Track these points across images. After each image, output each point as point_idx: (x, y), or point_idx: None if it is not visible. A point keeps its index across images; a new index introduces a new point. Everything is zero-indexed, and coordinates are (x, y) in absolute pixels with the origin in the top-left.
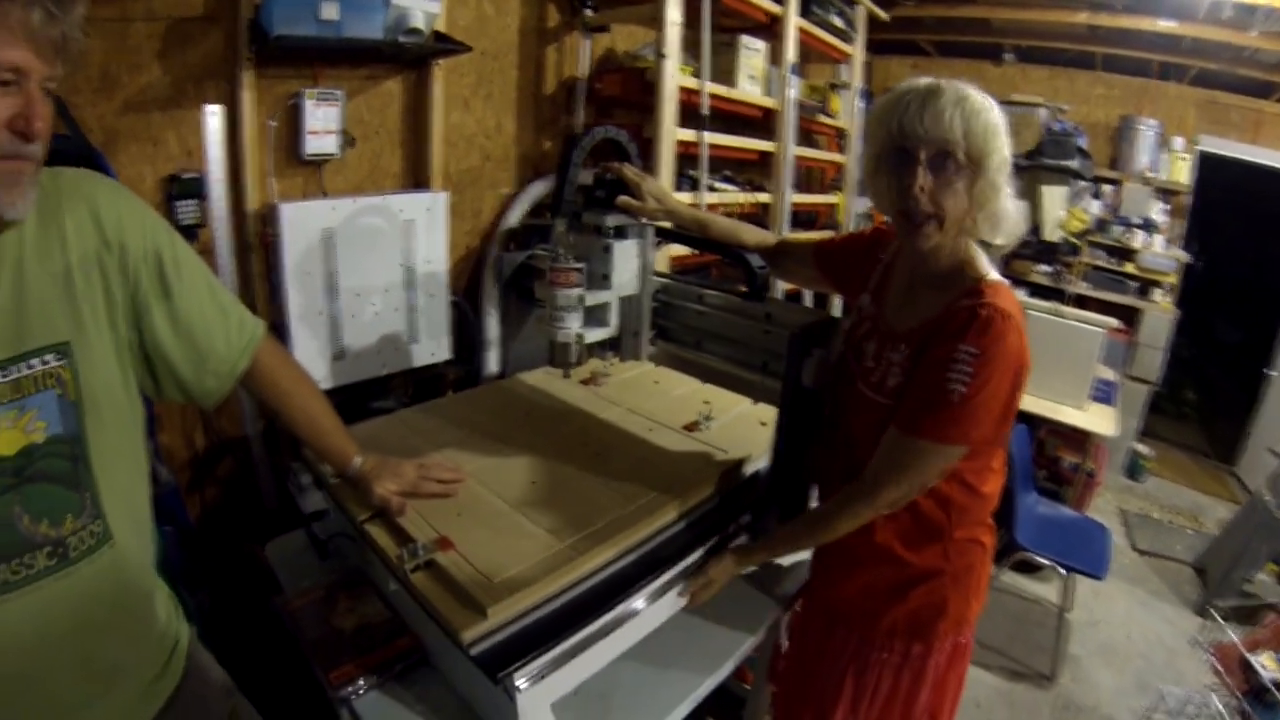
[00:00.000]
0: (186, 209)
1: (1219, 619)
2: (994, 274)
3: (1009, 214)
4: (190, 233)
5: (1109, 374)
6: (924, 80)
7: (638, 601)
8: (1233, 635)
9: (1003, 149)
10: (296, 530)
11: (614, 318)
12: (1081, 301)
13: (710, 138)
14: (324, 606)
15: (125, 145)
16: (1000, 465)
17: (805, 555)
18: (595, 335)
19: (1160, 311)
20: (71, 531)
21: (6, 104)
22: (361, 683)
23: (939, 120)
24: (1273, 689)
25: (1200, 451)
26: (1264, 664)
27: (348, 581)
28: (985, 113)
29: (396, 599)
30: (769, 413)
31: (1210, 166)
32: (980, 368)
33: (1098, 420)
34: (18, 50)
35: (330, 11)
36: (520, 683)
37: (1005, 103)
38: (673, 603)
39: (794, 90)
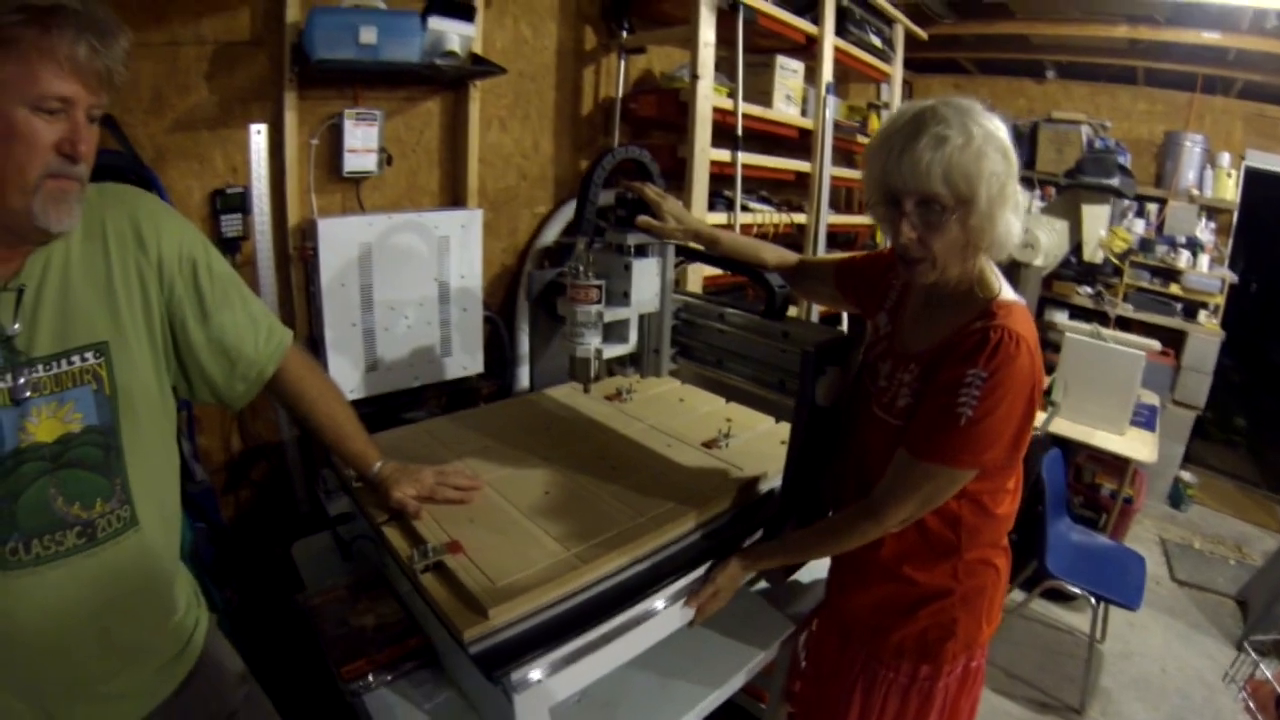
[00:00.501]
0: (231, 222)
1: (1253, 654)
2: (1008, 292)
3: (1012, 232)
4: (233, 245)
5: (1152, 398)
6: (913, 109)
7: (641, 610)
8: (1267, 672)
9: (996, 175)
10: (323, 532)
11: (633, 334)
12: (1124, 324)
13: (745, 158)
14: (343, 605)
15: (175, 162)
16: (1016, 486)
17: (822, 573)
18: (614, 351)
19: (1206, 334)
20: (100, 514)
21: (55, 129)
22: (371, 678)
23: (917, 169)
24: None
25: (1248, 480)
26: None
27: (367, 582)
28: (967, 147)
29: (409, 600)
30: (786, 431)
31: (1258, 182)
32: (990, 391)
33: (1137, 446)
34: (66, 83)
35: (369, 36)
36: (517, 682)
37: (1047, 120)
38: (678, 614)
39: (830, 110)
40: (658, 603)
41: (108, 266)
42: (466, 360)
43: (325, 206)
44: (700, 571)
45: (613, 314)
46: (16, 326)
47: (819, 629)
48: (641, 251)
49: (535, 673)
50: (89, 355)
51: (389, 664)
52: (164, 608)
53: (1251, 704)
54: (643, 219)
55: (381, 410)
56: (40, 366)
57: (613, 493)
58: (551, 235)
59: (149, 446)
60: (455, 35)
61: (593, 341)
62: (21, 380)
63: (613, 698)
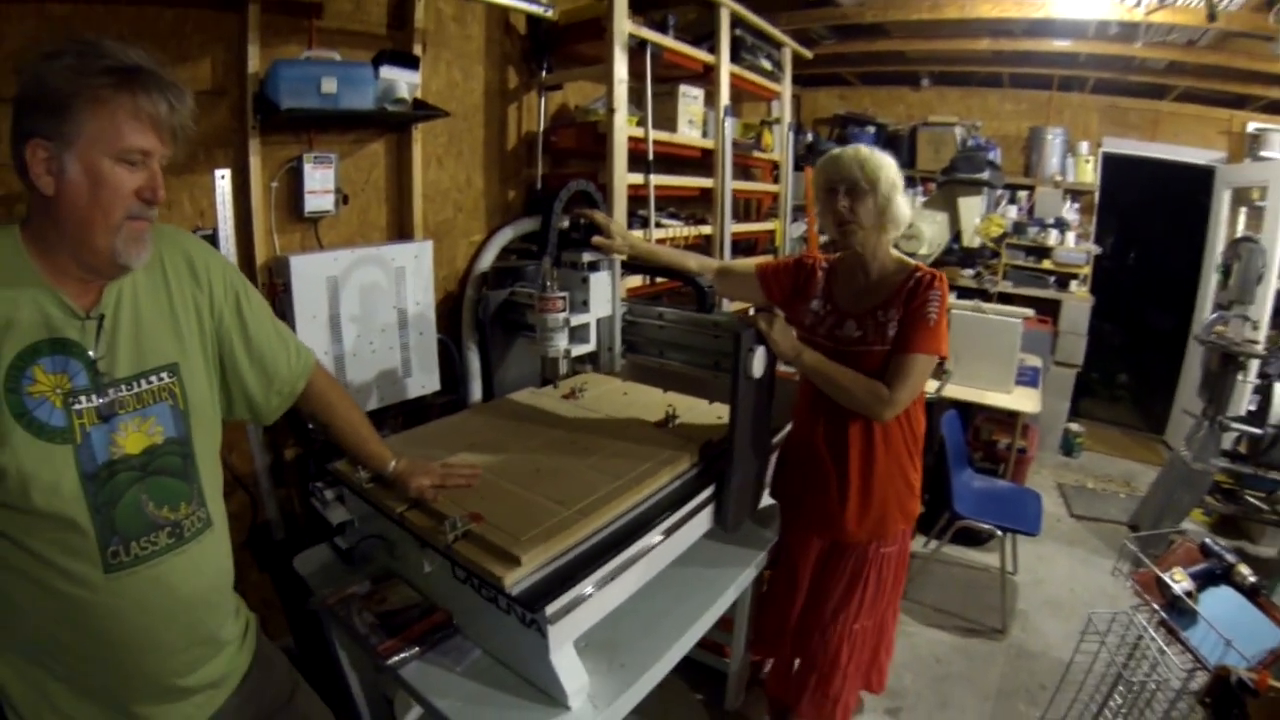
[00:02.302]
0: None
1: (1134, 547)
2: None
3: (903, 212)
4: None
5: (1035, 361)
6: (837, 149)
7: (639, 548)
8: (1146, 560)
9: (888, 176)
10: (320, 544)
11: (593, 336)
12: (1006, 298)
13: (656, 179)
14: (361, 598)
15: None
16: (922, 413)
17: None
18: (579, 350)
19: (1078, 301)
20: (185, 516)
21: (136, 178)
22: (404, 654)
23: (848, 168)
24: (1184, 597)
25: (1133, 426)
26: (1174, 578)
27: (377, 578)
28: (871, 159)
29: (428, 582)
30: (723, 409)
31: (1119, 165)
32: (940, 302)
33: (1023, 401)
34: (146, 137)
35: (330, 86)
36: (552, 615)
37: (924, 124)
38: (670, 549)
39: (729, 130)
40: (655, 537)
41: (169, 296)
42: (424, 379)
43: (286, 245)
44: (684, 511)
45: (575, 319)
46: (100, 351)
47: (789, 559)
48: (594, 267)
49: (564, 605)
50: (164, 375)
51: (417, 639)
52: (232, 601)
53: (1138, 587)
54: (597, 239)
55: None
56: (123, 386)
57: (591, 465)
58: (487, 261)
59: (211, 455)
60: (404, 83)
61: (561, 343)
62: (108, 399)
63: (611, 640)
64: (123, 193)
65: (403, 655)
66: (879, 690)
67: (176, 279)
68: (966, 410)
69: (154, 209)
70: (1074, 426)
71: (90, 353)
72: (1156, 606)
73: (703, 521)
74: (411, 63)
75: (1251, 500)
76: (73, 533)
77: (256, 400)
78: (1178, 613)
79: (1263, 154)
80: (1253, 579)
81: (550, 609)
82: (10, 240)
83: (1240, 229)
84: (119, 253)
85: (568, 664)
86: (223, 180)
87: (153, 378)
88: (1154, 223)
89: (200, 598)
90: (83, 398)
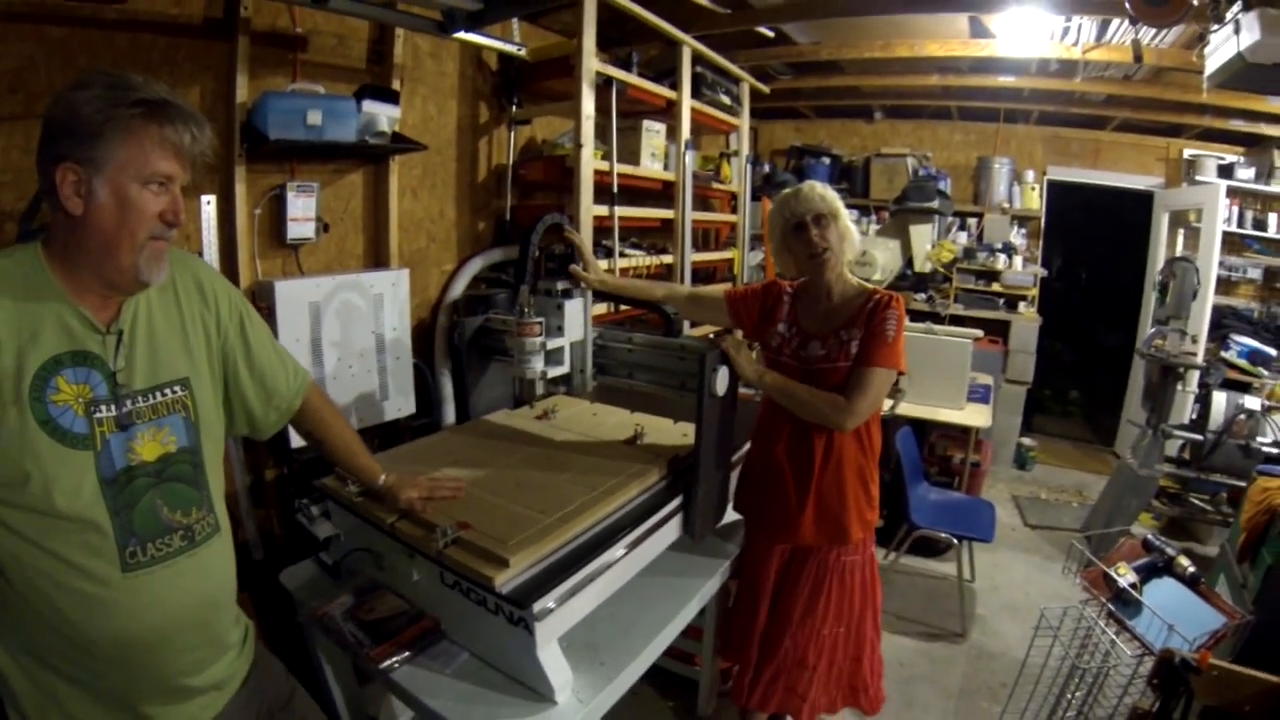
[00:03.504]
0: None
1: (1081, 547)
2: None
3: (855, 237)
4: None
5: (986, 379)
6: (790, 188)
7: (616, 552)
8: (1092, 557)
9: (842, 205)
10: (305, 560)
11: (567, 359)
12: (957, 320)
13: (620, 211)
14: (351, 608)
15: None
16: (878, 428)
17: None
18: (554, 372)
19: (1026, 321)
20: (196, 520)
21: (160, 201)
22: (395, 659)
23: (811, 200)
24: (1129, 589)
25: (1085, 440)
26: (1119, 572)
27: (364, 589)
28: (827, 190)
29: (416, 590)
30: (688, 428)
31: (1063, 192)
32: (898, 321)
33: (974, 416)
34: (170, 163)
35: (315, 118)
36: (539, 612)
37: (877, 155)
38: (641, 556)
39: (689, 163)
40: (629, 541)
41: (181, 315)
42: (401, 402)
43: (268, 270)
44: (655, 519)
45: (550, 343)
46: (119, 364)
47: (754, 566)
48: (568, 294)
49: (549, 603)
50: (177, 388)
51: (407, 644)
52: (234, 604)
53: (1086, 584)
54: (574, 268)
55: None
56: (139, 398)
57: (568, 479)
58: (459, 289)
59: (217, 465)
60: (384, 117)
61: (538, 366)
62: (125, 409)
63: (591, 641)
64: (148, 215)
65: (394, 660)
66: (875, 709)
67: (187, 299)
68: (921, 426)
69: (174, 230)
70: (1027, 441)
71: (110, 365)
72: (1104, 600)
73: (672, 530)
74: (392, 97)
75: (1196, 502)
76: (93, 533)
77: (256, 415)
78: (1124, 604)
79: (1198, 178)
80: (1192, 569)
81: (537, 606)
82: (33, 257)
83: (1179, 249)
84: (141, 270)
85: (553, 660)
86: (208, 206)
87: (166, 390)
88: (1097, 245)
89: (209, 598)
90: (103, 407)
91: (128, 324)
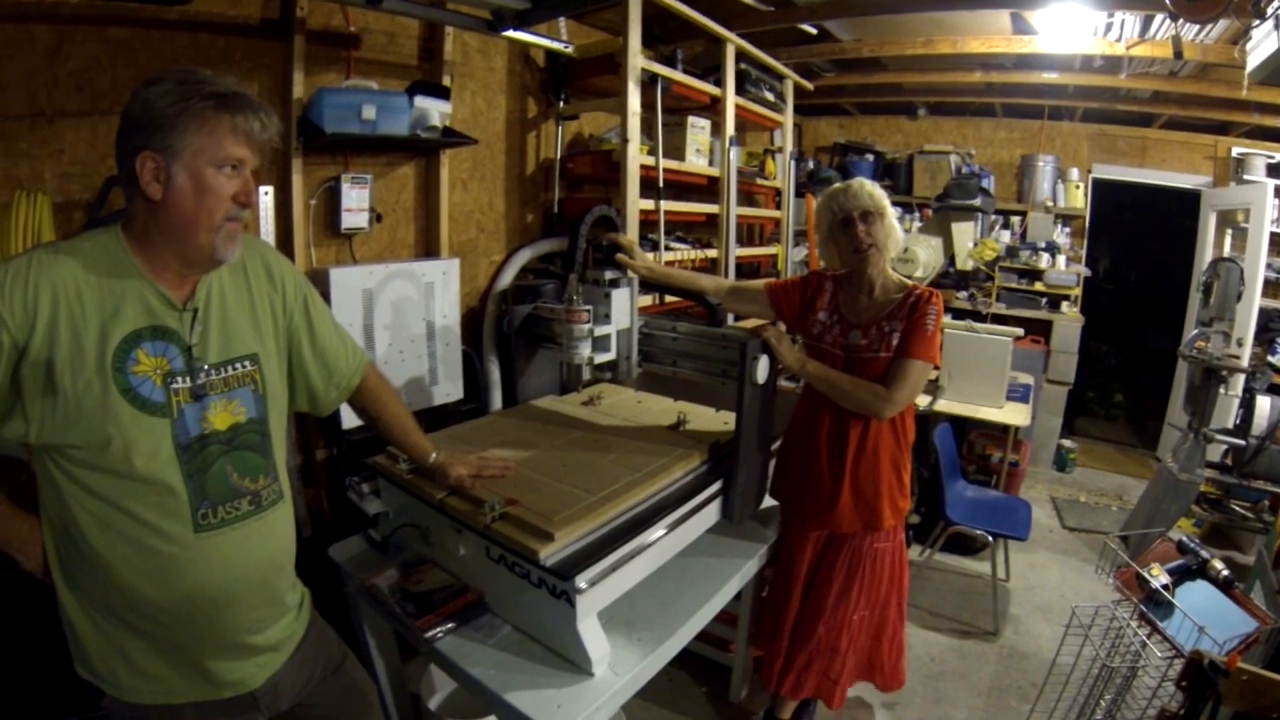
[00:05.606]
0: None
1: (1116, 548)
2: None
3: (899, 234)
4: None
5: (1027, 378)
6: (837, 184)
7: (657, 532)
8: (1127, 558)
9: (888, 202)
10: (353, 535)
11: (613, 345)
12: (999, 319)
13: (666, 205)
14: (397, 581)
15: None
16: (913, 420)
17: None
18: (600, 358)
19: (1069, 321)
20: (263, 487)
21: (233, 184)
22: (440, 629)
23: (860, 197)
24: (1161, 590)
25: (1127, 444)
26: (1152, 573)
27: (411, 563)
28: (875, 187)
29: (461, 565)
30: (729, 416)
31: (1109, 190)
32: (937, 316)
33: (1014, 415)
34: (242, 149)
35: (369, 113)
36: (580, 585)
37: (920, 152)
38: (680, 536)
39: (734, 159)
40: (670, 522)
41: (250, 295)
42: (449, 388)
43: (322, 258)
44: (696, 501)
45: (598, 330)
46: (194, 339)
47: (789, 553)
48: (615, 284)
49: (591, 577)
50: (247, 363)
51: (452, 616)
52: (293, 569)
53: (1119, 584)
54: (621, 256)
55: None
56: (212, 371)
57: (612, 460)
58: (507, 279)
59: (281, 437)
60: (435, 112)
61: (585, 351)
62: (200, 381)
63: (629, 618)
64: (223, 196)
65: (438, 630)
66: (895, 687)
67: (256, 280)
68: (960, 424)
69: (246, 211)
70: (1067, 443)
71: (186, 340)
72: (1136, 600)
73: (711, 513)
74: (443, 93)
75: (1237, 509)
76: (169, 495)
77: (318, 392)
78: (1156, 605)
79: (1246, 177)
80: (1225, 572)
81: (579, 579)
82: (114, 239)
83: (1226, 249)
84: (218, 249)
85: (592, 633)
86: (266, 196)
87: (237, 365)
88: (1146, 246)
89: (272, 561)
90: (179, 379)
91: (202, 302)
